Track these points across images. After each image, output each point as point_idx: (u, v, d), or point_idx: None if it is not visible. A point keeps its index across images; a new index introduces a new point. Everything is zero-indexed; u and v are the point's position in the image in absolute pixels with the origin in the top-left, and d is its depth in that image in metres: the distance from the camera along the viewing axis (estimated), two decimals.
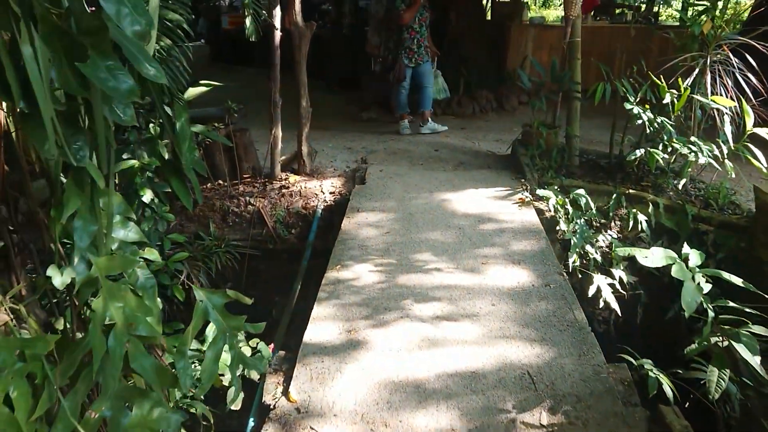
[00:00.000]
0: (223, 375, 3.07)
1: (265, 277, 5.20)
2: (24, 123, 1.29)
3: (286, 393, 2.74)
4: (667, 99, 4.70)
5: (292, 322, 4.15)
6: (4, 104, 1.65)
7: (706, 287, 2.50)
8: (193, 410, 2.77)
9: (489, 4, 10.69)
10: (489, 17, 10.52)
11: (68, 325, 1.90)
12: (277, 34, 5.13)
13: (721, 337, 2.39)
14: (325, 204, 5.26)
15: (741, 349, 2.26)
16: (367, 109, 8.48)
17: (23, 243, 1.84)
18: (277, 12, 5.06)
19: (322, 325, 3.18)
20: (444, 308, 3.32)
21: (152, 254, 1.98)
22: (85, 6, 1.32)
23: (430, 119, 7.41)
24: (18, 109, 1.30)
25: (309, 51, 5.51)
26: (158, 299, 4.12)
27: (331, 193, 5.41)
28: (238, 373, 2.87)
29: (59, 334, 1.76)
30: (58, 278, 1.57)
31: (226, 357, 2.90)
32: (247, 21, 4.46)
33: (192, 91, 4.57)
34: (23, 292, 1.73)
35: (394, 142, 7.06)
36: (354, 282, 3.60)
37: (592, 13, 9.76)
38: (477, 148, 6.85)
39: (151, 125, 4.41)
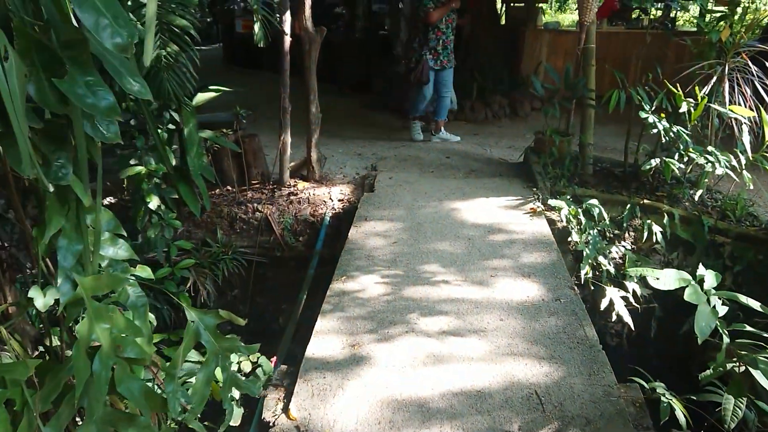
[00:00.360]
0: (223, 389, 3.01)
1: (272, 285, 5.15)
2: (0, 141, 1.24)
3: (286, 410, 2.67)
4: (684, 108, 4.59)
5: (298, 332, 4.08)
6: None
7: (722, 310, 2.39)
8: (190, 426, 2.71)
9: (503, 9, 10.59)
10: (503, 22, 10.41)
11: (58, 343, 1.85)
12: (287, 40, 5.09)
13: (737, 363, 2.29)
14: (334, 211, 5.20)
15: (758, 375, 2.16)
16: (380, 114, 8.42)
17: (13, 259, 1.78)
18: (287, 17, 5.01)
19: (326, 338, 3.11)
20: (450, 323, 3.24)
21: (144, 271, 1.93)
22: (69, 18, 1.26)
23: (443, 129, 7.30)
24: None
25: (321, 55, 5.46)
26: (161, 308, 4.06)
27: (339, 200, 5.35)
28: (234, 394, 2.82)
29: (47, 354, 1.71)
30: (41, 299, 1.52)
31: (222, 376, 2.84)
32: (256, 26, 4.41)
33: (201, 97, 4.53)
34: (10, 310, 1.68)
35: (405, 148, 6.98)
36: (359, 294, 3.53)
37: (609, 17, 9.62)
38: (489, 155, 6.76)
39: (159, 131, 4.38)
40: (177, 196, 4.51)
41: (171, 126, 4.44)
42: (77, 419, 1.78)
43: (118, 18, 1.21)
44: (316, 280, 4.63)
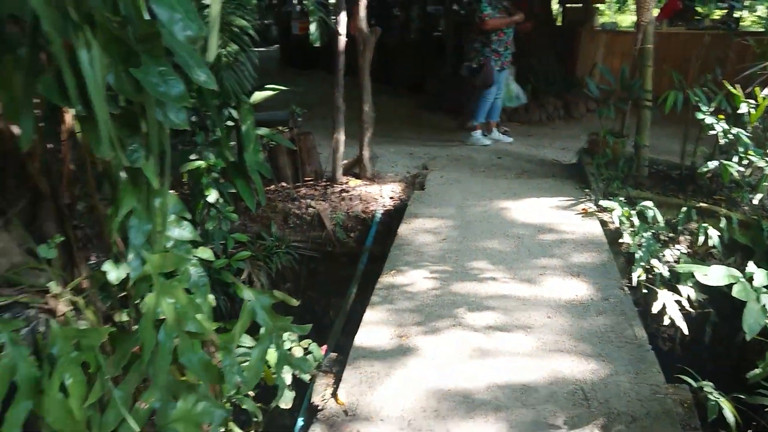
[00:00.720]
0: (275, 373, 3.12)
1: (323, 280, 5.27)
2: (81, 125, 1.36)
3: (334, 395, 2.76)
4: (743, 109, 4.47)
5: (347, 325, 4.17)
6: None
7: None
8: (244, 406, 2.83)
9: (560, 10, 10.47)
10: (559, 22, 10.30)
11: (127, 318, 1.99)
12: (342, 40, 5.20)
13: None
14: (384, 209, 5.28)
15: None
16: (433, 114, 8.47)
17: (86, 238, 1.93)
18: (342, 18, 5.13)
19: (374, 329, 3.19)
20: (497, 318, 3.27)
21: (206, 253, 2.05)
22: (143, 14, 1.38)
23: (495, 130, 7.28)
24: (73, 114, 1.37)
25: (375, 56, 5.56)
26: (218, 297, 4.23)
27: (390, 198, 5.43)
28: (287, 374, 2.93)
29: (117, 327, 1.85)
30: (114, 273, 1.65)
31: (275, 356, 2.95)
32: (312, 27, 4.54)
33: (258, 95, 4.70)
34: (84, 284, 1.82)
35: (456, 148, 7.01)
36: (408, 288, 3.60)
37: (671, 17, 9.40)
38: (541, 156, 6.72)
39: (217, 128, 4.57)
40: (234, 191, 4.68)
41: (230, 123, 4.62)
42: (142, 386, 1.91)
43: (189, 13, 1.32)
44: (366, 275, 4.72)
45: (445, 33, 9.86)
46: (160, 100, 1.37)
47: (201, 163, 4.50)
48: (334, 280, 5.19)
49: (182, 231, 1.86)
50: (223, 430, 2.56)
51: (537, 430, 2.49)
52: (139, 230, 1.64)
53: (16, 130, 1.65)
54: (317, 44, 4.72)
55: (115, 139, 1.33)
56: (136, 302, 1.73)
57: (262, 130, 4.82)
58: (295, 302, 1.97)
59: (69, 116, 1.73)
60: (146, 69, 1.30)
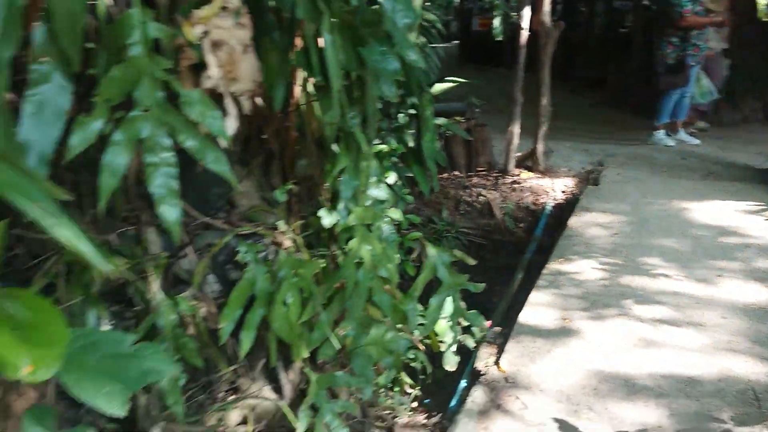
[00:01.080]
0: (442, 342, 3.37)
1: (489, 267, 5.45)
2: (317, 93, 1.70)
3: (497, 363, 2.95)
4: None
5: (510, 308, 4.32)
6: (299, 81, 2.11)
7: None
8: (414, 364, 3.12)
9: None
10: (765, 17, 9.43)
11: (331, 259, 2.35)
12: (524, 34, 5.32)
13: None
14: (555, 202, 5.33)
15: None
16: (614, 112, 8.24)
17: (299, 195, 2.31)
18: (526, 13, 5.24)
19: (538, 309, 3.32)
20: (666, 313, 3.24)
21: (396, 213, 2.34)
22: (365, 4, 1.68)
23: (681, 130, 6.92)
24: (313, 83, 1.71)
25: (557, 51, 5.60)
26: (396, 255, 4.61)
27: (562, 191, 5.46)
28: (457, 334, 3.17)
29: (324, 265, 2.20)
30: (327, 219, 1.99)
31: (444, 327, 3.22)
32: (496, 21, 4.73)
33: (439, 87, 4.99)
34: (297, 231, 2.20)
35: (637, 147, 6.79)
36: (575, 275, 3.67)
37: None
38: (732, 159, 6.29)
39: (400, 115, 4.93)
40: (410, 175, 5.02)
41: (411, 111, 4.96)
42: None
43: (407, 4, 1.60)
44: (531, 265, 4.82)
45: (632, 28, 9.49)
46: (378, 74, 1.67)
47: (383, 147, 4.89)
48: (499, 267, 5.35)
49: (380, 192, 2.18)
50: (392, 383, 2.89)
51: (699, 421, 2.48)
52: (348, 186, 1.97)
53: (257, 100, 2.04)
54: (500, 38, 4.91)
55: (345, 107, 1.64)
56: (342, 246, 2.06)
57: (440, 120, 5.10)
58: (472, 261, 2.20)
59: (297, 90, 2.10)
60: (370, 49, 1.60)
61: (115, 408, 1.14)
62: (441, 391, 3.54)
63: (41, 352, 0.98)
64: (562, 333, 3.11)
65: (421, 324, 2.22)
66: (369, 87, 1.73)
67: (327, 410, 1.88)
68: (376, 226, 2.13)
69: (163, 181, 1.42)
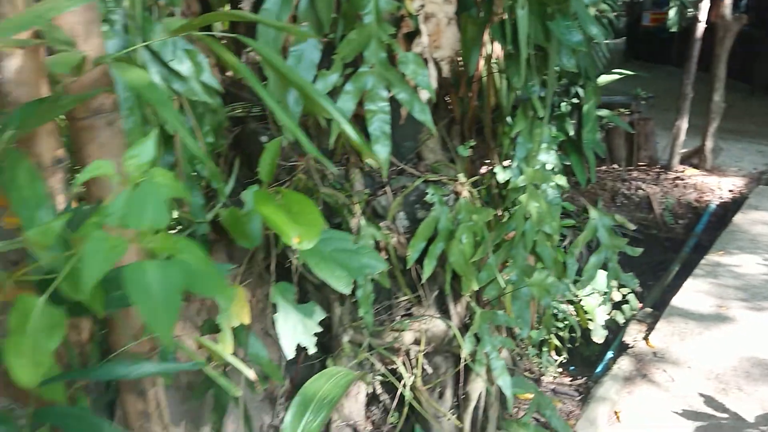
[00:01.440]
0: (590, 319, 3.50)
1: (642, 261, 5.40)
2: (506, 61, 1.98)
3: (646, 339, 3.06)
4: None
5: (663, 294, 4.32)
6: (483, 57, 2.39)
7: None
8: (561, 333, 3.30)
9: None
10: None
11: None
12: (700, 27, 5.19)
13: None
14: (720, 200, 5.16)
15: None
16: None
17: (474, 155, 2.60)
18: (705, 4, 5.11)
19: (693, 295, 3.36)
20: None
21: (562, 179, 2.54)
22: None
23: None
24: (502, 54, 1.99)
25: (737, 48, 5.38)
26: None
27: (729, 191, 5.27)
28: (602, 316, 3.31)
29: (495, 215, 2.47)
30: (501, 175, 2.27)
31: (594, 304, 3.37)
32: (671, 12, 4.68)
33: (604, 78, 5.03)
34: (468, 189, 2.49)
35: None
36: (735, 268, 3.63)
37: None
38: None
39: (562, 104, 5.04)
40: (568, 164, 5.12)
41: (574, 100, 5.06)
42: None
43: None
44: (688, 262, 4.74)
45: None
46: (561, 46, 1.91)
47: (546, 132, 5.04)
48: (653, 263, 5.28)
49: (549, 157, 2.40)
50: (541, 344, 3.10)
51: None
52: (523, 147, 2.23)
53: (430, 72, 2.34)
54: (674, 29, 4.84)
55: (532, 72, 1.90)
56: (506, 206, 2.33)
57: (603, 111, 5.14)
58: (632, 226, 2.36)
59: (481, 64, 2.38)
60: (558, 22, 1.84)
61: (342, 287, 1.50)
62: (585, 363, 3.69)
63: (305, 229, 1.34)
64: (717, 319, 3.14)
65: (577, 280, 2.42)
66: (551, 58, 1.97)
67: (488, 342, 2.16)
68: (543, 189, 2.36)
69: (378, 125, 1.78)
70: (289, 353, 1.63)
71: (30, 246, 0.86)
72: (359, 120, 1.96)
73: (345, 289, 1.48)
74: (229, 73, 2.27)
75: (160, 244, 0.80)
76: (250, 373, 1.39)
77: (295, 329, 1.63)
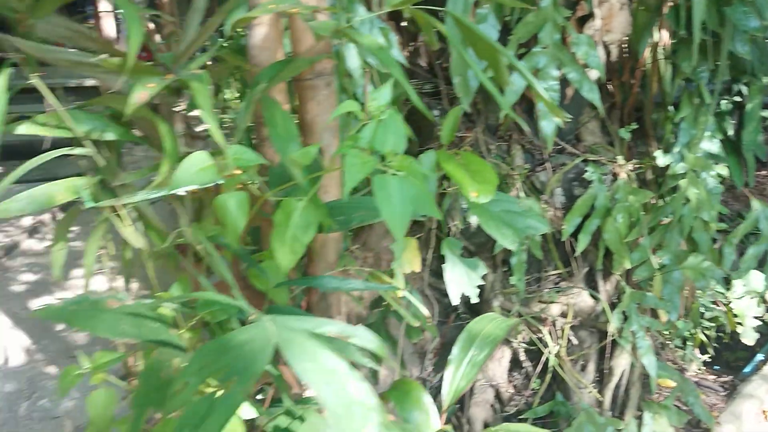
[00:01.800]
0: (739, 323, 3.37)
1: None
2: (677, 46, 2.03)
3: None
4: None
5: None
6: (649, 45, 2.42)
7: None
8: (708, 332, 3.21)
9: None
10: None
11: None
12: None
13: None
14: None
15: None
16: None
17: (633, 140, 2.62)
18: None
19: None
20: None
21: (723, 170, 2.51)
22: None
23: None
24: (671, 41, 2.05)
25: None
26: None
27: None
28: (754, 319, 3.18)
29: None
30: (662, 159, 2.31)
31: (742, 307, 3.25)
32: None
33: None
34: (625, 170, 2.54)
35: None
36: None
37: None
38: None
39: (723, 102, 4.81)
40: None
41: (737, 98, 4.81)
42: None
43: None
44: None
45: None
46: (736, 32, 1.93)
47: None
48: None
49: (712, 146, 2.40)
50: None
51: None
52: (686, 133, 2.26)
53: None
54: None
55: (705, 59, 1.95)
56: (662, 193, 2.35)
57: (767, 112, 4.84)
58: None
59: (644, 56, 2.42)
60: (735, 7, 1.87)
61: (509, 244, 1.65)
62: (730, 367, 3.56)
63: (481, 186, 1.51)
64: None
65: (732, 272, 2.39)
66: (724, 44, 1.98)
67: (635, 321, 2.22)
68: (703, 177, 2.36)
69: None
70: (455, 299, 1.81)
71: (291, 166, 1.11)
72: (527, 100, 2.11)
73: (511, 246, 1.63)
74: (405, 53, 2.50)
75: (399, 164, 1.01)
76: (425, 310, 1.59)
77: (461, 279, 1.81)
